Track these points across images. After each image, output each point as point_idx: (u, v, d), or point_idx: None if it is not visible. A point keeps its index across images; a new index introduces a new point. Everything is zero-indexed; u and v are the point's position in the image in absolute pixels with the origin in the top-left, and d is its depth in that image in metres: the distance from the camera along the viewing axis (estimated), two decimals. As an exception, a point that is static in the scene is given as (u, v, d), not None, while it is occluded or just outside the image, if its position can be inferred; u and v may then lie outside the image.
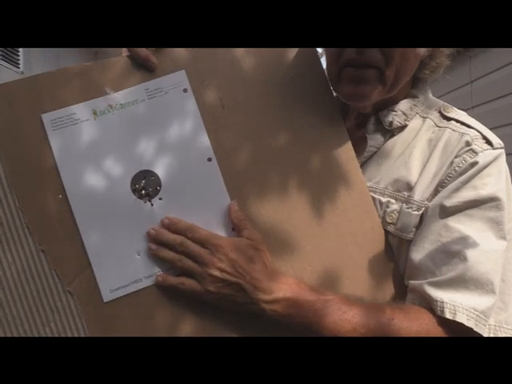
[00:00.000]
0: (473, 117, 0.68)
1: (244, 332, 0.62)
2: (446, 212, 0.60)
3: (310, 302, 0.58)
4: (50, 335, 0.59)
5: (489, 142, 0.63)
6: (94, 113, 0.63)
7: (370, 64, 0.61)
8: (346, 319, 0.57)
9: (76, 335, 0.60)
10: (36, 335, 0.59)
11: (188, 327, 0.62)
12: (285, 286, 0.58)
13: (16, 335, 0.59)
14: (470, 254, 0.57)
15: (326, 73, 0.70)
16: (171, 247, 0.60)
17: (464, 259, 0.57)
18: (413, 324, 0.57)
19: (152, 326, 0.61)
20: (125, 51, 0.67)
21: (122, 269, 0.61)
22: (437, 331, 0.57)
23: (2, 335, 0.59)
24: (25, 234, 0.60)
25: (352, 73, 0.62)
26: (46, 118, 0.62)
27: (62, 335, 0.59)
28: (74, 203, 0.61)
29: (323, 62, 0.72)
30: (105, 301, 0.60)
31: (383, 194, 0.66)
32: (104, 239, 0.61)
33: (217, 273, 0.57)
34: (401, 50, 0.61)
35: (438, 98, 0.74)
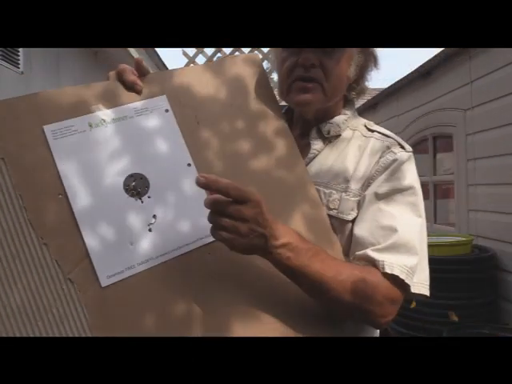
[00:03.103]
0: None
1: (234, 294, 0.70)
2: (379, 197, 0.79)
3: (306, 248, 0.69)
4: (52, 321, 0.65)
5: (402, 147, 0.84)
6: (90, 125, 0.73)
7: (314, 79, 0.81)
8: (329, 266, 0.70)
9: (76, 319, 0.65)
10: (39, 321, 0.64)
11: (180, 309, 0.68)
12: (288, 233, 0.69)
13: (20, 322, 0.64)
14: (399, 227, 0.76)
15: (273, 88, 0.88)
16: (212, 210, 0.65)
17: (395, 231, 0.75)
18: (369, 273, 0.73)
19: (147, 309, 0.67)
20: (112, 75, 0.77)
21: (117, 257, 0.68)
22: (382, 280, 0.72)
23: (7, 323, 0.63)
24: (28, 229, 0.66)
25: (300, 85, 0.82)
26: (48, 129, 0.71)
27: (64, 320, 0.65)
28: (74, 202, 0.69)
29: (265, 64, 0.87)
30: (102, 286, 0.67)
31: (326, 187, 0.84)
32: (100, 232, 0.69)
33: (253, 226, 0.64)
34: (336, 70, 0.81)
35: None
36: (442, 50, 3.64)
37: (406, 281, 0.72)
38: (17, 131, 0.69)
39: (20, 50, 3.21)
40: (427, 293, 0.79)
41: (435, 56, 3.77)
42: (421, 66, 4.08)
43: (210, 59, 4.22)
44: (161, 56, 5.99)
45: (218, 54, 4.28)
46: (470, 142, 3.38)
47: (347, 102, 0.94)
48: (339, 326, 0.74)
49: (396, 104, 5.00)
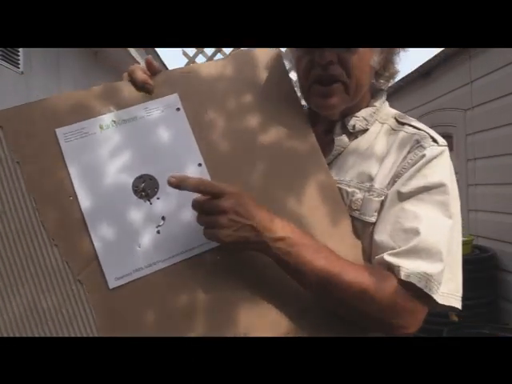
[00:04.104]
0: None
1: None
2: (402, 197, 0.71)
3: (307, 244, 0.66)
4: (61, 321, 0.66)
5: (435, 140, 0.75)
6: (101, 127, 0.73)
7: (334, 78, 0.74)
8: (333, 264, 0.65)
9: (85, 320, 0.66)
10: (49, 321, 0.66)
11: (187, 311, 0.68)
12: (286, 228, 0.65)
13: (32, 321, 0.65)
14: (422, 229, 0.67)
15: (295, 86, 0.82)
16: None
17: (417, 233, 0.67)
18: (381, 278, 0.66)
19: (154, 311, 0.68)
20: (125, 76, 0.76)
21: (125, 259, 0.69)
22: (398, 287, 0.66)
23: (20, 321, 0.65)
24: (40, 230, 0.68)
25: (320, 89, 0.75)
26: (60, 132, 0.72)
27: (73, 321, 0.66)
28: (84, 204, 0.70)
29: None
30: (110, 288, 0.68)
31: (349, 186, 0.76)
32: (109, 234, 0.69)
33: (233, 216, 0.63)
34: (357, 63, 0.73)
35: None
36: (442, 50, 3.64)
37: (426, 290, 0.65)
38: (30, 135, 0.71)
39: (20, 50, 3.21)
40: (458, 305, 0.70)
41: (435, 56, 3.77)
42: (421, 66, 4.08)
43: (210, 59, 4.22)
44: (161, 56, 6.00)
45: (218, 54, 4.28)
46: (469, 142, 3.39)
47: (376, 92, 0.84)
48: (345, 326, 0.72)
49: (396, 104, 4.99)
